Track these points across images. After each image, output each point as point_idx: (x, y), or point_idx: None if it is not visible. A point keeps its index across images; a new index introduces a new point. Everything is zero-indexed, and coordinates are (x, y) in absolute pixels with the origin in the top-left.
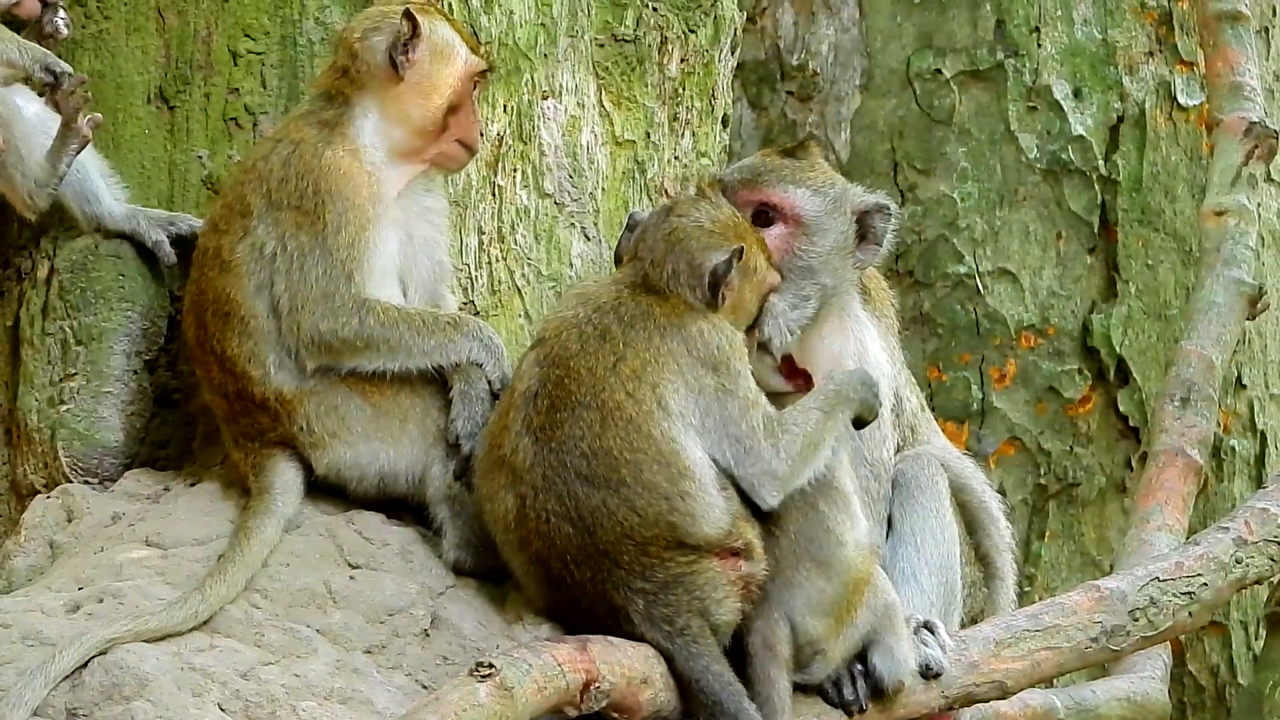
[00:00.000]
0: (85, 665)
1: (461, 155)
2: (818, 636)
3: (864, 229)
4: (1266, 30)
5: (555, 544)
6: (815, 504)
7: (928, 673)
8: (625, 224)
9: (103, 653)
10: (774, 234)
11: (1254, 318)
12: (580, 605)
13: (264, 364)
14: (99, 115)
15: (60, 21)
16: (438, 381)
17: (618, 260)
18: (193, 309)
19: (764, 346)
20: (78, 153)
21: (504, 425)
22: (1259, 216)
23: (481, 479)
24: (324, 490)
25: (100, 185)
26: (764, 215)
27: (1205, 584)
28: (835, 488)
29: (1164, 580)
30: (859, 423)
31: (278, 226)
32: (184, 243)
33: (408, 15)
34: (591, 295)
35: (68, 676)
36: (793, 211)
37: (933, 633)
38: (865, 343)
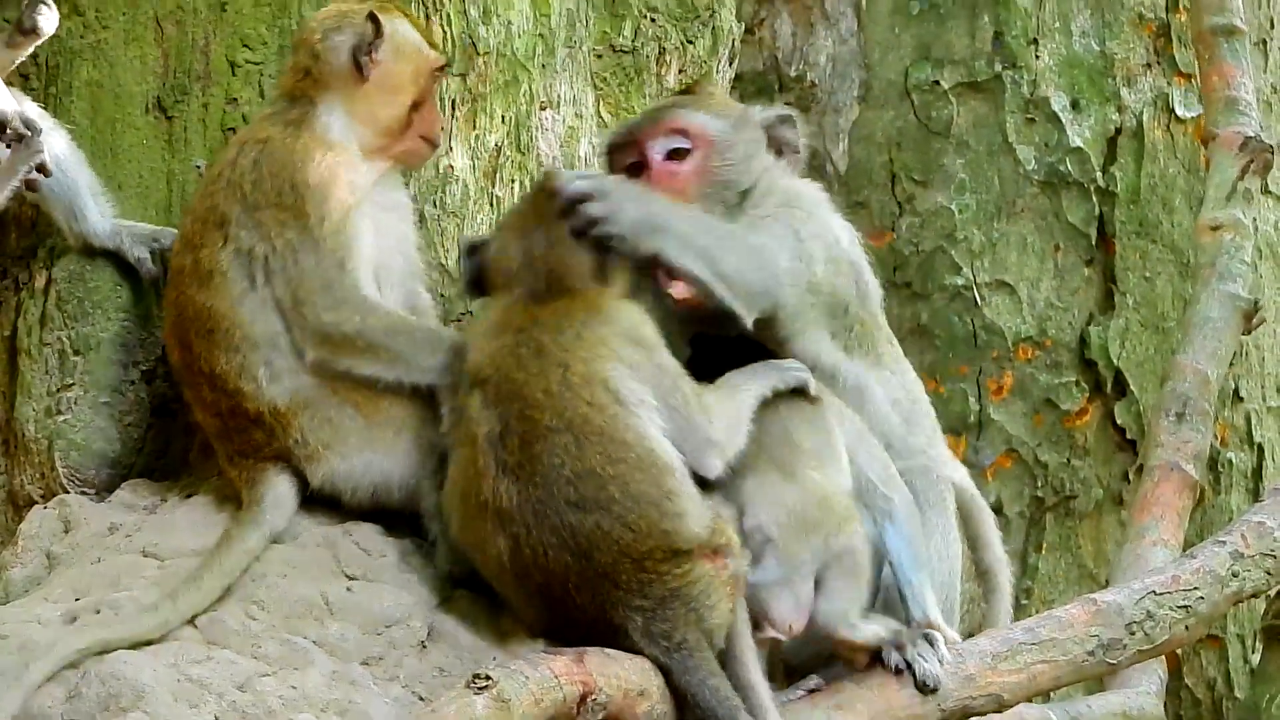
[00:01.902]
0: (83, 676)
1: (425, 150)
2: (768, 524)
3: (777, 142)
4: (1264, 43)
5: (555, 574)
6: (791, 433)
7: (925, 688)
8: (464, 251)
9: (99, 661)
10: (691, 162)
11: (1249, 332)
12: (580, 627)
13: (255, 377)
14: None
15: (40, 17)
16: (433, 395)
17: (476, 288)
18: (174, 332)
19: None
20: None
21: (475, 473)
22: (1255, 230)
23: (463, 530)
24: (321, 502)
25: (88, 202)
26: (678, 151)
27: (1202, 597)
28: (822, 428)
29: (1160, 593)
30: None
31: (261, 228)
32: (168, 258)
33: (371, 17)
34: (503, 323)
35: (70, 687)
36: (701, 133)
37: (931, 645)
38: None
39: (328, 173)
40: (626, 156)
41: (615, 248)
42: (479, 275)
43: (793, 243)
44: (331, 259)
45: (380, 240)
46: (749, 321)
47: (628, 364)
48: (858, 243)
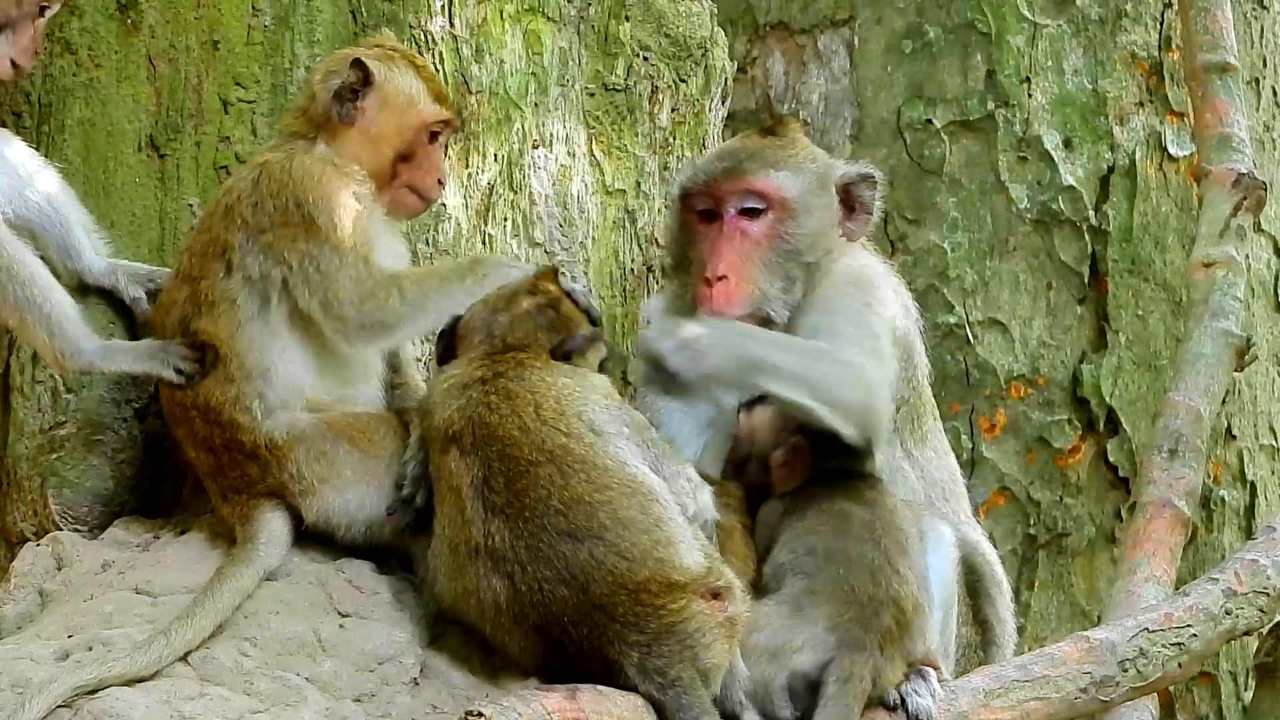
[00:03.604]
0: (76, 714)
1: (414, 202)
2: None
3: (850, 200)
4: (1257, 81)
5: (552, 610)
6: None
7: None
8: (447, 324)
9: (93, 698)
10: (764, 223)
11: (1242, 369)
12: (576, 665)
13: (251, 409)
14: None
15: None
16: None
17: (445, 358)
18: None
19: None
20: None
21: (462, 521)
22: (1248, 267)
23: (454, 580)
24: (313, 539)
25: (82, 240)
26: (752, 210)
27: (1195, 635)
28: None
29: (1153, 631)
30: None
31: (271, 251)
32: None
33: (357, 63)
34: (465, 378)
35: None
36: (778, 196)
37: (924, 680)
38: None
39: (331, 186)
40: (700, 202)
41: (712, 389)
42: (451, 346)
43: (872, 344)
44: (354, 255)
45: None
46: (854, 438)
47: (597, 404)
48: (912, 310)
